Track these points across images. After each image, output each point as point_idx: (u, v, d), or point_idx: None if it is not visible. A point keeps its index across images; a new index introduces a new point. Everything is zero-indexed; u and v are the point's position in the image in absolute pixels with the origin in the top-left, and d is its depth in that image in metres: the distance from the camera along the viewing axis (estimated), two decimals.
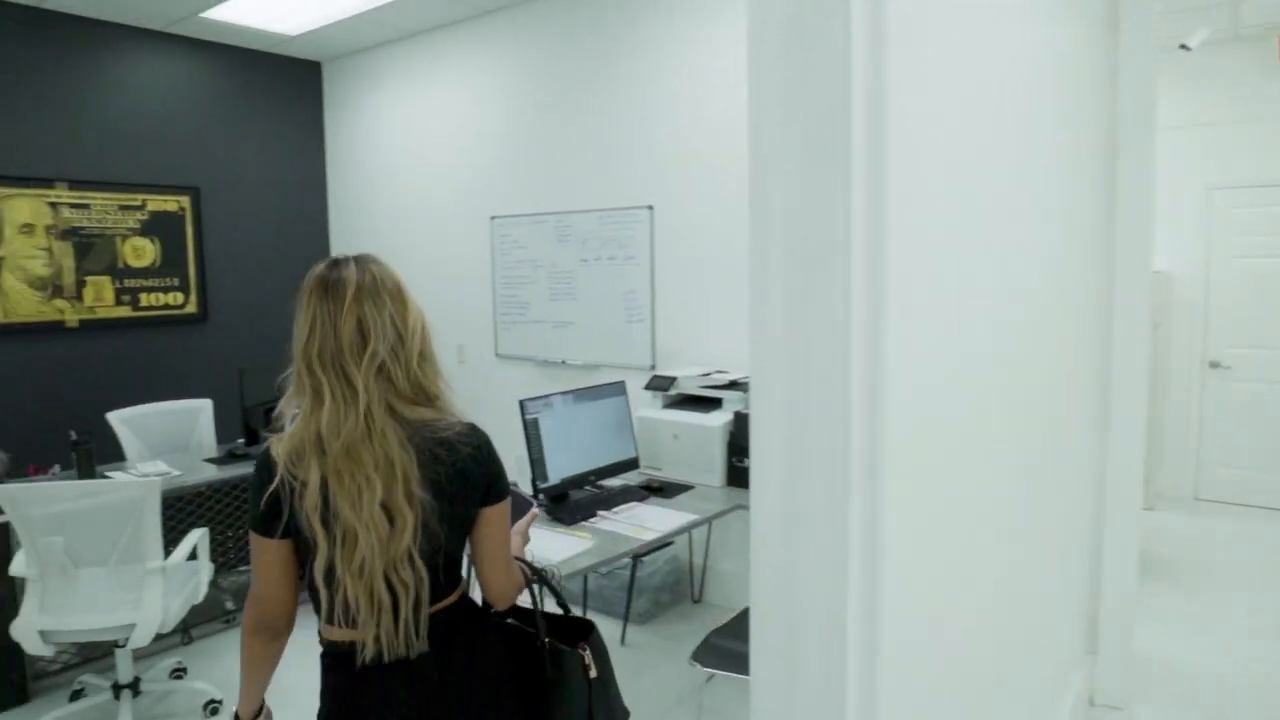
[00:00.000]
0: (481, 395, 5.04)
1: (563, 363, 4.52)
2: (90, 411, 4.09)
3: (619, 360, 4.28)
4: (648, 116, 4.08)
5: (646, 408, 3.60)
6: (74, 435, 3.41)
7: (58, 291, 4.62)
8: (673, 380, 3.60)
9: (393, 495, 1.41)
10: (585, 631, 1.68)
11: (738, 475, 3.34)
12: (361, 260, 1.59)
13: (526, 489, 2.95)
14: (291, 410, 1.49)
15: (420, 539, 1.43)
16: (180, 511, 3.74)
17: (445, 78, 4.98)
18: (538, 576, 1.69)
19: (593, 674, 1.62)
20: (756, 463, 1.23)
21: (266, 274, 5.49)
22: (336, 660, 1.50)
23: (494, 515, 1.55)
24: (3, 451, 3.26)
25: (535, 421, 2.94)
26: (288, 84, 5.60)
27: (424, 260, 5.27)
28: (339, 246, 5.86)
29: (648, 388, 3.63)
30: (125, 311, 4.87)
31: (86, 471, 3.40)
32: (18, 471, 3.40)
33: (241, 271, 5.38)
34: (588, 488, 3.17)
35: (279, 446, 1.44)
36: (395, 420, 1.46)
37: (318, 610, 1.50)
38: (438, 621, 1.50)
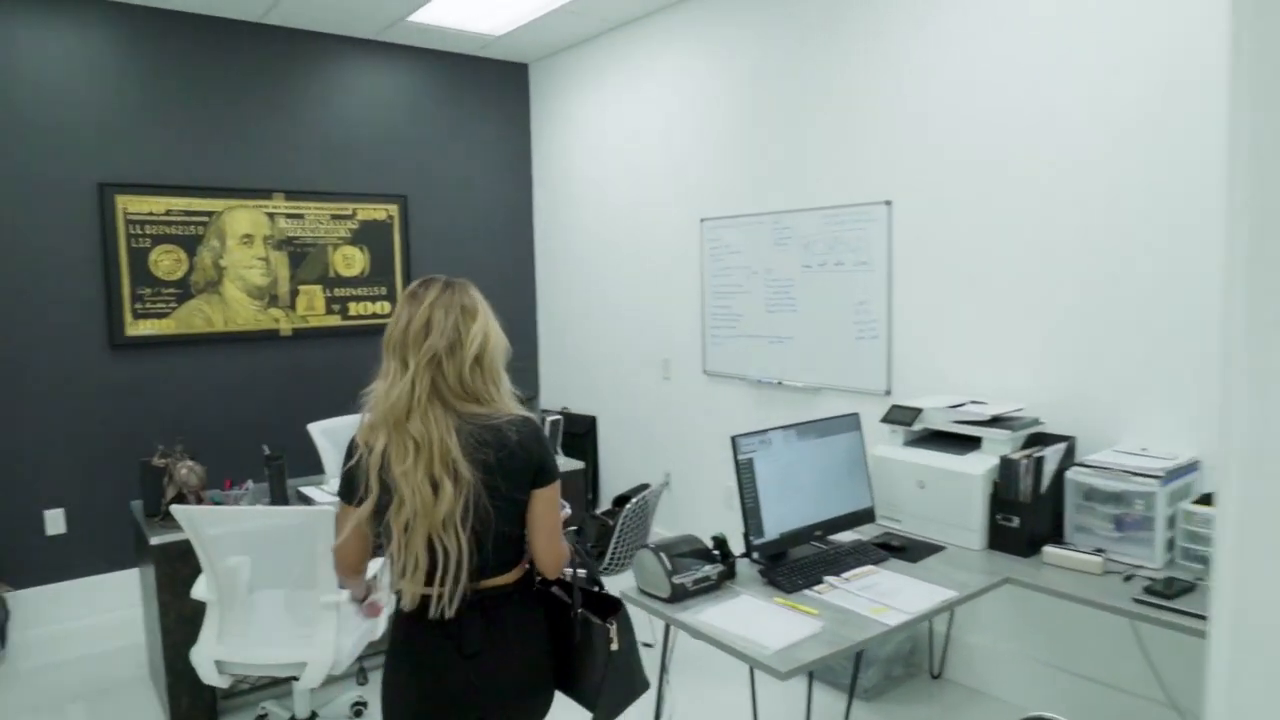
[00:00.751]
0: (687, 416, 4.56)
1: (779, 383, 3.95)
2: (299, 419, 4.02)
3: (846, 383, 3.65)
4: (888, 99, 3.43)
5: (884, 445, 2.95)
6: (266, 450, 3.27)
7: (273, 301, 4.65)
8: (917, 412, 2.93)
9: (435, 467, 1.63)
10: (614, 608, 1.84)
11: (1003, 537, 2.63)
12: (452, 281, 1.89)
13: (738, 545, 2.42)
14: (372, 391, 1.77)
15: (469, 515, 1.64)
16: None
17: (653, 69, 4.57)
18: (579, 555, 1.84)
19: (614, 646, 1.78)
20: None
21: (473, 280, 5.32)
22: (399, 611, 1.76)
23: (544, 495, 1.74)
24: (198, 464, 3.16)
25: (749, 463, 2.39)
26: (495, 87, 5.43)
27: (627, 267, 4.89)
28: (543, 253, 5.62)
29: (886, 421, 2.98)
30: (335, 320, 4.85)
31: (277, 489, 3.26)
32: (214, 484, 3.31)
33: (451, 273, 5.24)
34: (813, 544, 2.59)
35: (362, 423, 1.75)
36: (443, 405, 1.69)
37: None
38: (488, 596, 1.72)
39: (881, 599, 2.25)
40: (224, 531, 2.67)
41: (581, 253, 5.26)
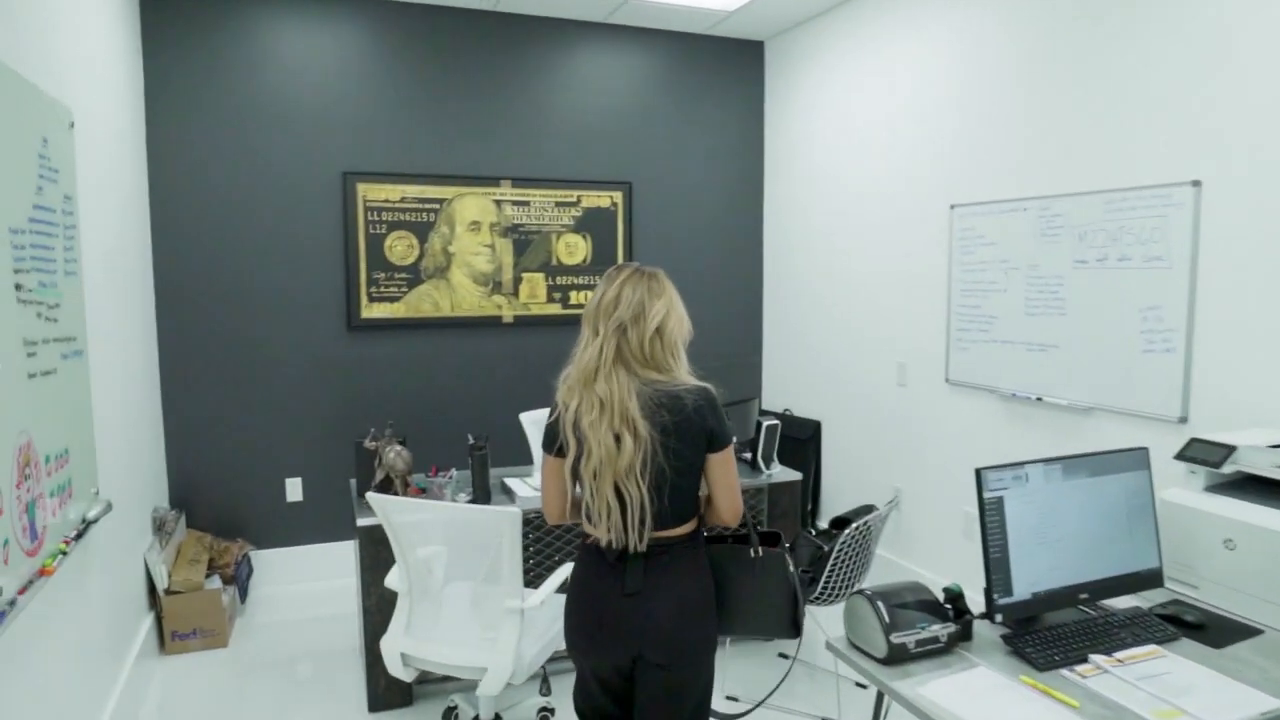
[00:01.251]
0: (924, 429, 4.03)
1: (1038, 400, 3.34)
2: (516, 405, 3.99)
3: (1127, 404, 3.00)
4: (1198, 46, 2.74)
5: (1178, 489, 2.33)
6: (471, 439, 3.21)
7: (497, 287, 4.67)
8: (1229, 450, 2.28)
9: (616, 422, 1.84)
10: (776, 539, 2.10)
11: None
12: (644, 266, 2.03)
13: (976, 599, 1.96)
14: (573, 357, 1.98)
15: (648, 468, 1.85)
16: (561, 537, 3.40)
17: (896, 40, 4.07)
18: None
19: (791, 567, 2.07)
20: None
21: (697, 271, 5.10)
22: (584, 549, 2.01)
23: (720, 459, 1.95)
24: (405, 449, 3.15)
25: (998, 503, 1.92)
26: (727, 67, 5.13)
27: (863, 260, 4.42)
28: (772, 244, 5.26)
29: (1183, 458, 2.35)
30: (555, 309, 4.79)
31: (479, 478, 3.18)
32: (420, 468, 3.30)
33: (671, 267, 5.01)
34: (1078, 609, 2.06)
35: (561, 384, 1.98)
36: (625, 370, 1.90)
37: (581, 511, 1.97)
38: (656, 544, 1.91)
39: (1170, 697, 1.71)
40: (413, 520, 2.60)
41: (813, 244, 4.84)
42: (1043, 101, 3.31)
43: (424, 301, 4.53)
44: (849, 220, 4.51)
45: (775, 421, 3.75)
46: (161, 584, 3.64)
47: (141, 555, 3.61)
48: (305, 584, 4.44)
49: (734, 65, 5.15)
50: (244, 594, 4.16)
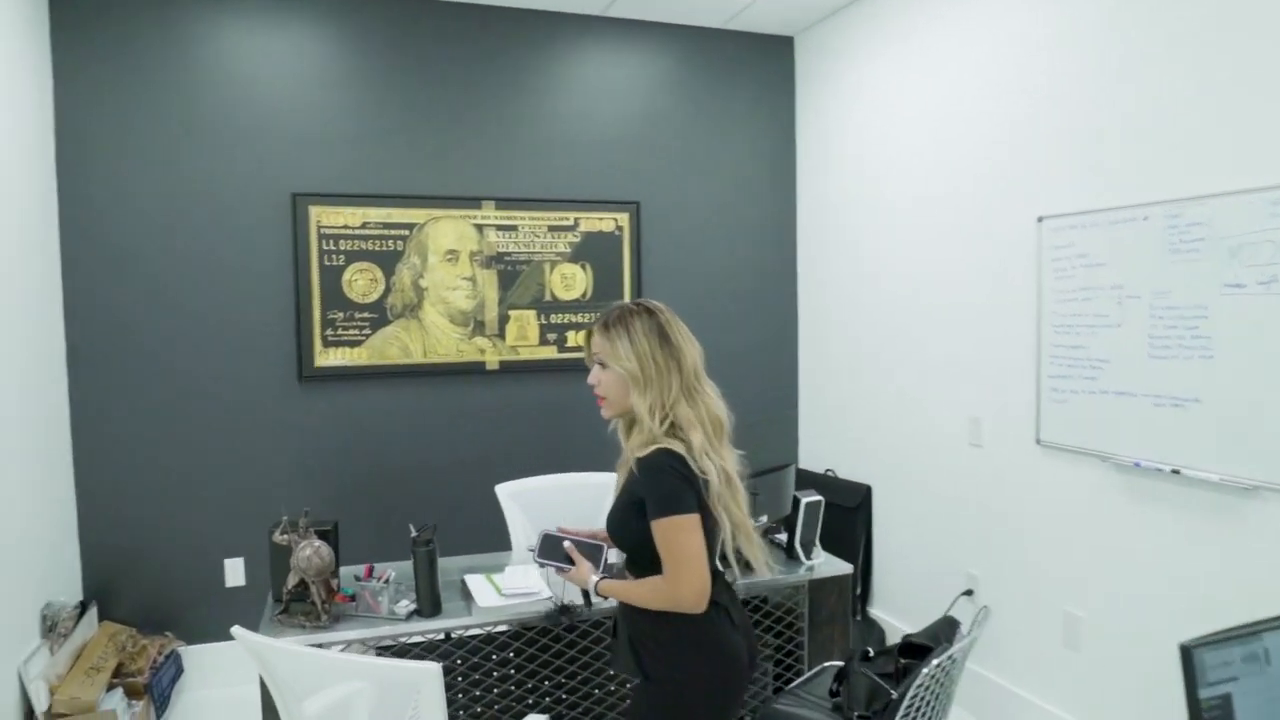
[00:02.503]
0: (1006, 503, 3.18)
1: (1174, 472, 2.48)
2: (501, 469, 3.24)
3: None
4: None
5: None
6: (414, 531, 2.43)
7: (479, 328, 3.92)
8: None
9: (727, 489, 1.83)
10: None
11: None
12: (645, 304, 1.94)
13: None
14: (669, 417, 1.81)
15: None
16: (534, 658, 2.60)
17: (963, 19, 3.29)
18: None
19: None
20: None
21: (718, 306, 4.32)
22: (719, 619, 1.84)
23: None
24: (325, 546, 2.37)
25: (1225, 704, 1.09)
26: (751, 67, 4.39)
27: (926, 288, 3.61)
28: (808, 274, 4.46)
29: None
30: (549, 352, 4.03)
31: (425, 583, 2.40)
32: (383, 549, 2.53)
33: (687, 303, 4.24)
34: None
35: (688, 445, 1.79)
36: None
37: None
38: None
39: None
40: (300, 669, 1.82)
41: (859, 272, 4.04)
42: (1166, 73, 2.50)
43: (391, 346, 3.79)
44: (903, 243, 3.71)
45: (817, 498, 2.93)
46: (40, 705, 2.88)
47: (15, 669, 2.86)
48: (246, 686, 3.66)
49: (759, 64, 4.41)
50: (164, 705, 3.39)
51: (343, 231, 3.70)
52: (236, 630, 1.83)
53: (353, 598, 2.44)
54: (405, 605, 2.42)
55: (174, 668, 3.53)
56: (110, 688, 3.15)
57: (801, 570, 2.84)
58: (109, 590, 3.54)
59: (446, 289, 3.86)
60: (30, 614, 3.03)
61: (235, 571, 3.68)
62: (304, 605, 2.41)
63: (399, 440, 3.85)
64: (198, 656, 3.64)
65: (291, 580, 2.38)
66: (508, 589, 2.51)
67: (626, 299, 4.14)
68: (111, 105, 3.45)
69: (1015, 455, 3.12)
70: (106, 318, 3.49)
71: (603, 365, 1.86)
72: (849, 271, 4.09)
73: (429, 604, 2.41)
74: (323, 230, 3.68)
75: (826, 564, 2.89)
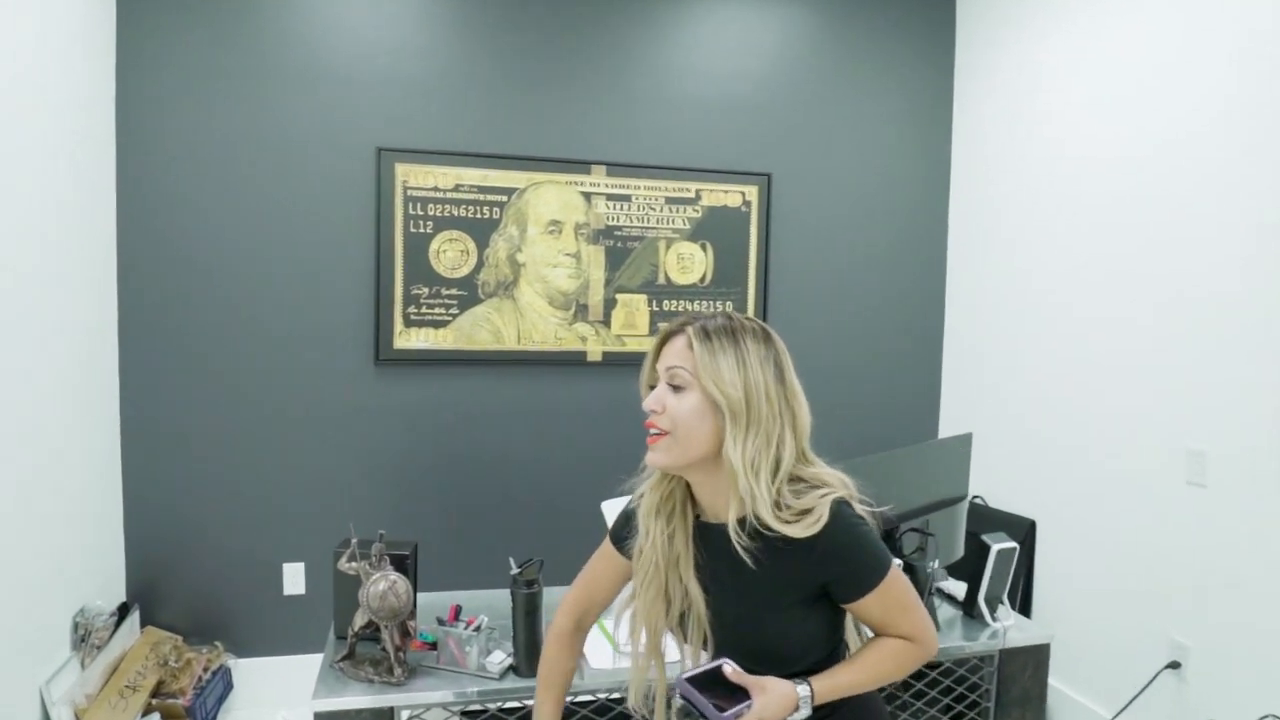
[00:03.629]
0: (1239, 560, 2.51)
1: None
2: (605, 479, 2.69)
3: None
4: None
5: None
6: (514, 566, 1.89)
7: (582, 312, 3.39)
8: None
9: None
10: None
11: None
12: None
13: None
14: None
15: None
16: None
17: None
18: None
19: None
20: None
21: (853, 305, 3.71)
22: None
23: None
24: (404, 581, 1.85)
25: None
26: (904, 26, 3.75)
27: (1125, 287, 2.94)
28: (961, 267, 3.82)
29: None
30: None
31: (525, 632, 1.86)
32: (455, 578, 2.02)
33: (822, 292, 3.67)
34: None
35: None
36: None
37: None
38: None
39: None
40: None
41: (1028, 263, 3.38)
42: None
43: (480, 329, 3.28)
44: (1091, 228, 3.04)
45: (1011, 544, 2.31)
46: None
47: (38, 687, 2.44)
48: (303, 707, 3.21)
49: (912, 23, 3.76)
50: None
51: (432, 194, 3.20)
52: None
53: (434, 645, 1.92)
54: (499, 659, 1.90)
55: (222, 684, 3.09)
56: (147, 710, 2.72)
57: (985, 635, 2.23)
58: (154, 593, 3.12)
59: (547, 266, 3.33)
60: (61, 621, 2.62)
61: (295, 578, 3.23)
62: (373, 651, 1.91)
63: (485, 439, 3.34)
64: (249, 672, 3.20)
65: (359, 620, 1.87)
66: (626, 643, 1.96)
67: (751, 286, 3.55)
68: (173, 44, 3.01)
69: (1255, 502, 2.44)
70: (160, 293, 3.05)
71: (676, 389, 1.29)
72: (1016, 262, 3.43)
73: (529, 659, 1.88)
74: (409, 192, 3.18)
75: (1018, 627, 2.28)
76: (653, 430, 1.29)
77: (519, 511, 3.36)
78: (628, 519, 1.46)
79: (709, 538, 1.35)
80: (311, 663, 3.22)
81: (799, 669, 1.30)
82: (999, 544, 2.29)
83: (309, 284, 3.16)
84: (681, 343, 1.30)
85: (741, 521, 1.26)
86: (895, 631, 1.33)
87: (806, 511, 1.24)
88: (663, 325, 1.42)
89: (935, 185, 3.83)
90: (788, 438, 1.27)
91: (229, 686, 3.15)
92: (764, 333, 1.32)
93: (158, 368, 3.06)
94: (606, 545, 1.53)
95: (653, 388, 1.34)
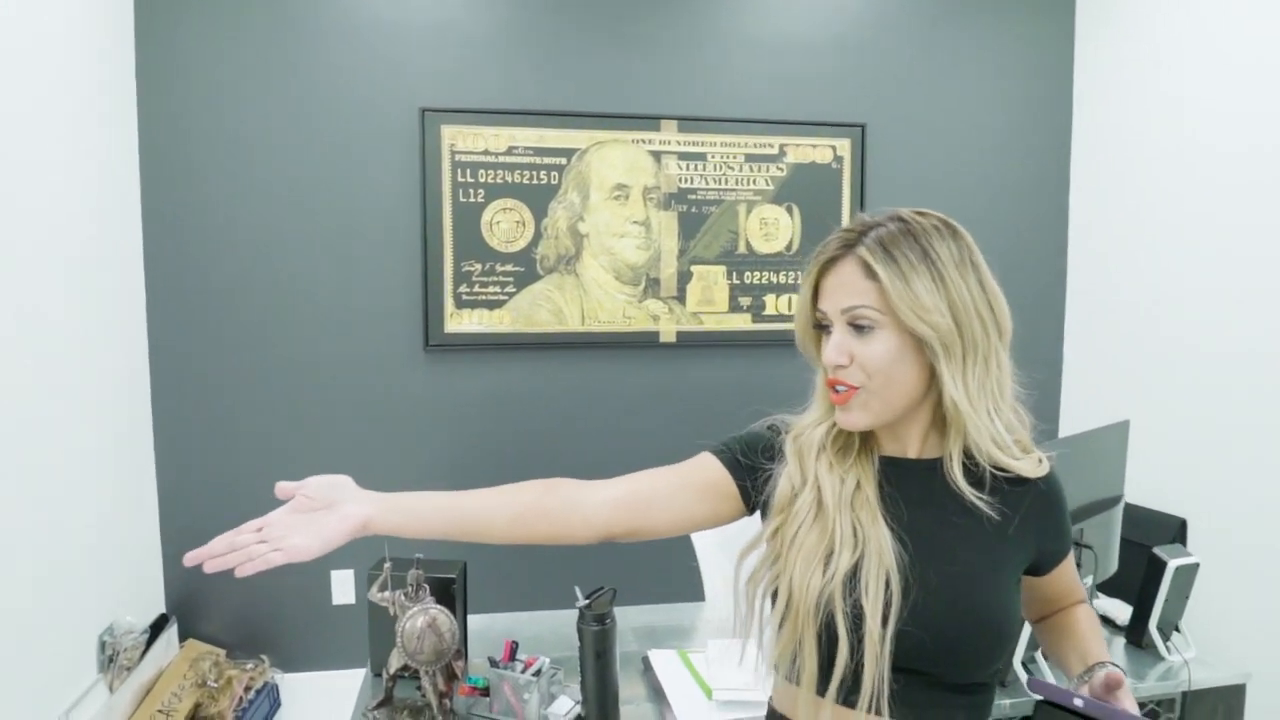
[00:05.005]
0: None
1: None
2: None
3: None
4: None
5: None
6: (581, 597, 1.53)
7: (652, 288, 3.00)
8: None
9: None
10: None
11: None
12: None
13: None
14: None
15: None
16: None
17: None
18: None
19: None
20: None
21: None
22: None
23: None
24: (445, 616, 1.50)
25: None
26: None
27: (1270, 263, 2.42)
28: (1084, 227, 3.31)
29: None
30: (742, 322, 3.07)
31: (596, 677, 1.50)
32: (481, 604, 1.67)
33: None
34: None
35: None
36: None
37: None
38: None
39: None
40: None
41: (1161, 231, 2.86)
42: None
43: (540, 308, 2.93)
44: (1245, 197, 2.52)
45: (1192, 559, 1.87)
46: None
47: (59, 716, 2.18)
48: None
49: None
50: None
51: (483, 159, 2.85)
52: None
53: (485, 691, 1.57)
54: (565, 708, 1.54)
55: (268, 703, 2.82)
56: None
57: (1158, 672, 1.80)
58: (194, 604, 2.87)
59: (612, 236, 2.96)
60: (88, 641, 2.36)
61: (344, 587, 2.94)
62: (413, 697, 1.57)
63: (547, 431, 2.99)
64: (297, 687, 2.93)
65: (395, 662, 1.53)
66: (721, 691, 1.58)
67: None
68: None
69: None
70: (188, 280, 2.78)
71: (860, 328, 0.98)
72: (1152, 235, 2.92)
73: (601, 712, 1.51)
74: (458, 157, 2.84)
75: (1201, 662, 1.83)
76: (840, 387, 1.00)
77: None
78: (758, 447, 1.10)
79: (904, 478, 1.04)
80: (365, 679, 2.93)
81: (993, 662, 0.99)
82: (1177, 559, 1.85)
83: (351, 264, 2.85)
84: (852, 270, 0.98)
85: (942, 461, 1.02)
86: (1077, 596, 1.17)
87: (1029, 450, 1.03)
88: (820, 248, 1.03)
89: (1054, 145, 3.32)
90: (1003, 352, 1.00)
91: (275, 704, 2.88)
92: (947, 227, 1.01)
93: (189, 360, 2.79)
94: (709, 462, 1.11)
95: (822, 326, 1.03)
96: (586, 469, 2.81)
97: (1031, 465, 1.01)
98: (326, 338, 2.85)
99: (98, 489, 2.43)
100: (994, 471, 0.99)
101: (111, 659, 2.44)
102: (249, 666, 2.80)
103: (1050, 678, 0.95)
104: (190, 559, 0.97)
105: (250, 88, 2.75)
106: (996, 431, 0.98)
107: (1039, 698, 0.93)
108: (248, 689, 2.71)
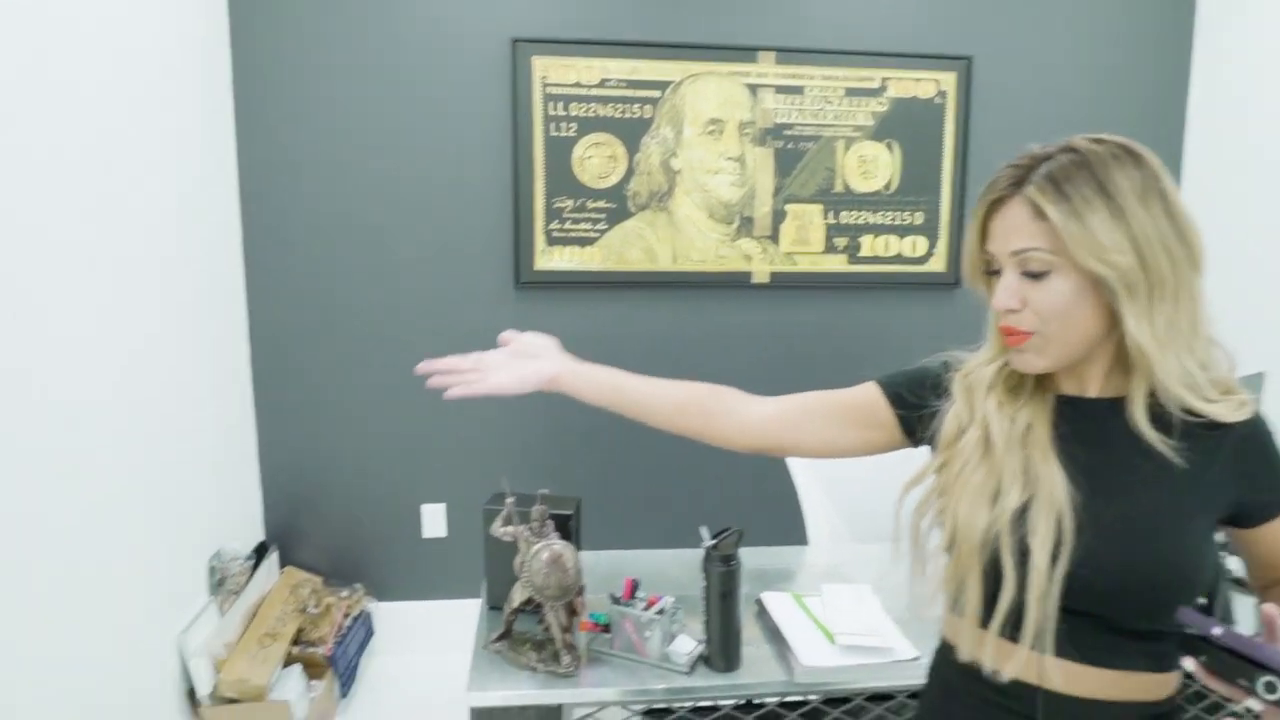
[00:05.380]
0: None
1: None
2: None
3: None
4: None
5: None
6: (707, 536, 1.51)
7: (745, 227, 2.93)
8: None
9: None
10: None
11: None
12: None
13: None
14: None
15: None
16: None
17: None
18: None
19: None
20: None
21: None
22: None
23: None
24: (570, 549, 1.50)
25: None
26: None
27: None
28: (1200, 168, 3.13)
29: None
30: (838, 263, 2.98)
31: (723, 618, 1.48)
32: (586, 541, 1.67)
33: None
34: None
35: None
36: None
37: None
38: None
39: None
40: None
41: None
42: None
43: (631, 246, 2.88)
44: None
45: None
46: (203, 687, 2.28)
47: (175, 639, 2.26)
48: (445, 654, 3.00)
49: None
50: (350, 678, 2.77)
51: (575, 91, 2.78)
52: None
53: (605, 627, 1.57)
54: (688, 648, 1.53)
55: (363, 630, 2.90)
56: (288, 660, 2.53)
57: None
58: (292, 534, 2.94)
59: (706, 172, 2.88)
60: (199, 566, 2.44)
61: (435, 520, 2.99)
62: (534, 631, 1.58)
63: (636, 371, 2.96)
64: (389, 616, 3.01)
65: (518, 596, 1.54)
66: (844, 636, 1.56)
67: (946, 193, 2.99)
68: None
69: None
70: (283, 219, 2.78)
71: (1034, 275, 0.92)
72: (1275, 177, 2.74)
73: (724, 652, 1.51)
74: (550, 90, 2.77)
75: None
76: (1011, 332, 0.96)
77: (679, 453, 2.99)
78: (925, 381, 1.09)
79: (1082, 418, 0.99)
80: (454, 609, 3.00)
81: (1169, 614, 0.89)
82: None
83: (441, 200, 2.82)
84: (1020, 210, 0.92)
85: (1125, 400, 0.95)
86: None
87: (1229, 391, 0.94)
88: (986, 187, 0.97)
89: (1171, 81, 3.12)
90: (1196, 283, 0.92)
91: (369, 632, 2.96)
92: (1127, 153, 0.92)
93: (285, 300, 2.82)
94: (872, 390, 1.12)
95: (992, 272, 0.98)
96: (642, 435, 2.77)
97: (1230, 408, 0.93)
98: (418, 275, 2.85)
99: (205, 427, 2.48)
100: (1185, 415, 0.92)
101: (220, 583, 2.52)
102: (344, 594, 2.88)
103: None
104: (421, 368, 1.30)
105: (340, 23, 2.71)
106: (1187, 372, 0.91)
107: (1188, 628, 0.88)
108: (346, 615, 2.79)
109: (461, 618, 3.00)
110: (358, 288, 2.84)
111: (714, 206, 2.90)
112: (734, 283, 2.94)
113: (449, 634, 3.01)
